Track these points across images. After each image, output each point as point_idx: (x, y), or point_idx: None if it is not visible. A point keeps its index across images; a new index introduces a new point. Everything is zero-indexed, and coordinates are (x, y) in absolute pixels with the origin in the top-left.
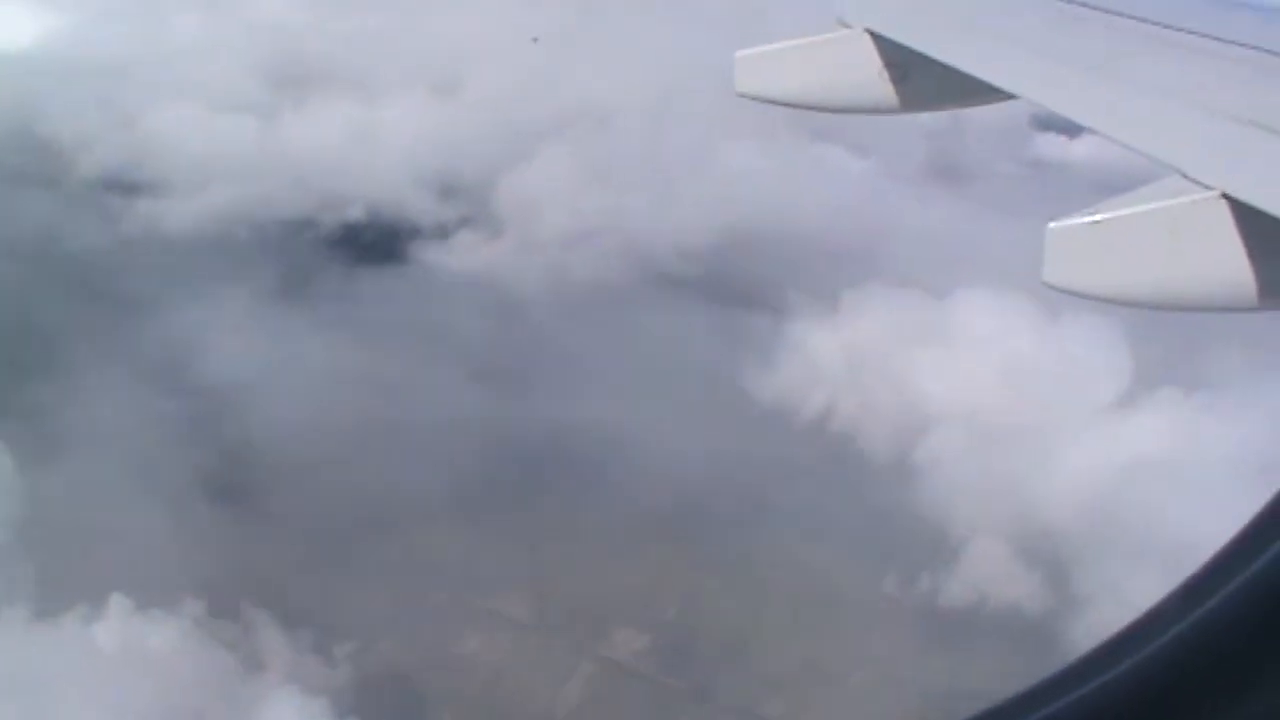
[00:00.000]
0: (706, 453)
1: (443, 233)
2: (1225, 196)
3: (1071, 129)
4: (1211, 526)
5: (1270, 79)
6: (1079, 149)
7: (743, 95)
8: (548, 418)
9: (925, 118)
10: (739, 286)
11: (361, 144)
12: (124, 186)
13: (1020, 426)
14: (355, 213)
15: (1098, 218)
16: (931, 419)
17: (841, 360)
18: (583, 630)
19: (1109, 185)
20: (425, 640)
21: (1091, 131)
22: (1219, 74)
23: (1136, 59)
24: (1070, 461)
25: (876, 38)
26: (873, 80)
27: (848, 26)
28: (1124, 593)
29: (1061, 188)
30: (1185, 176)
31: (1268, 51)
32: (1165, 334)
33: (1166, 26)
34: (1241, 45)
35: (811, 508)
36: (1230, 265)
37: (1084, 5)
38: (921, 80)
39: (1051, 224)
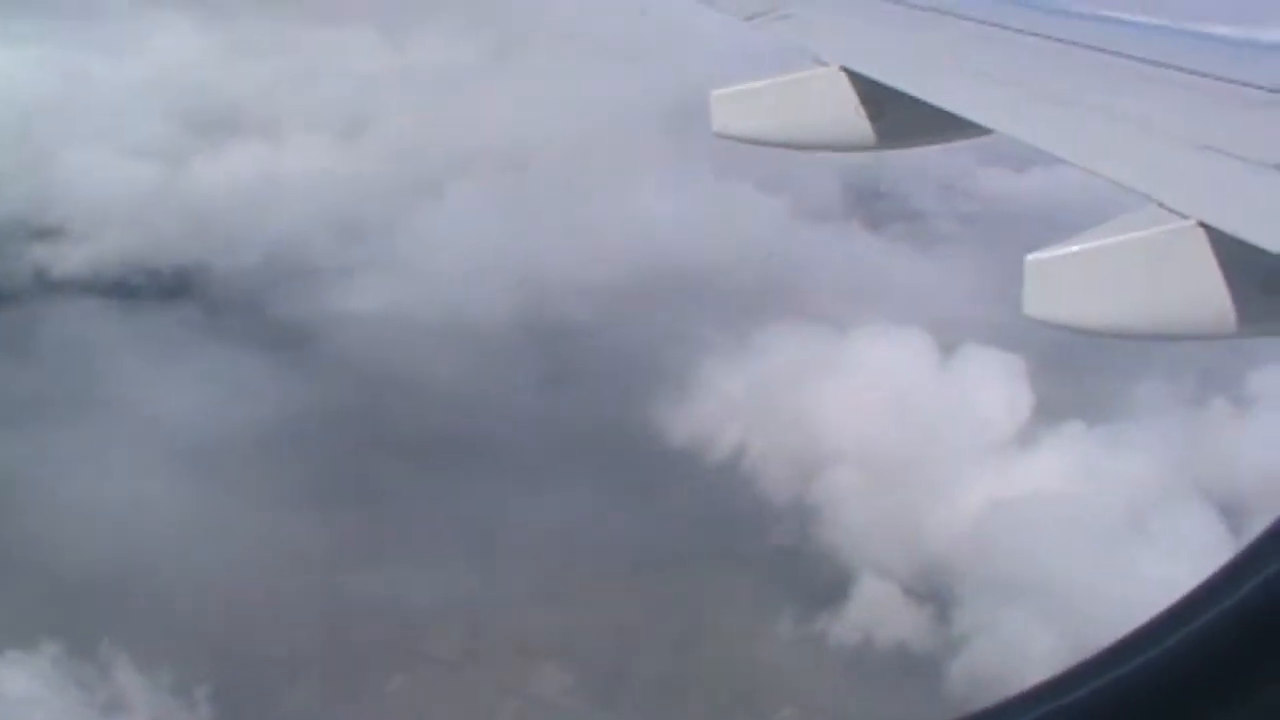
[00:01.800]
0: (611, 494)
1: (343, 274)
2: (1202, 225)
3: (1019, 164)
4: (1101, 562)
5: (1243, 109)
6: (1023, 184)
7: (720, 135)
8: (451, 461)
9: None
10: (644, 326)
11: (266, 187)
12: (26, 231)
13: (920, 463)
14: (255, 256)
15: (1076, 249)
16: (832, 457)
17: (745, 399)
18: (505, 668)
19: (1049, 221)
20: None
21: (1067, 164)
22: (1192, 105)
23: (1111, 91)
24: (968, 498)
25: (852, 75)
26: (849, 117)
27: (823, 64)
28: (1007, 631)
29: (989, 225)
30: (1162, 206)
31: (1239, 83)
32: (1075, 367)
33: (1140, 60)
34: (1214, 77)
35: (713, 547)
36: (1210, 293)
37: (1059, 40)
38: (898, 116)
39: (1029, 256)
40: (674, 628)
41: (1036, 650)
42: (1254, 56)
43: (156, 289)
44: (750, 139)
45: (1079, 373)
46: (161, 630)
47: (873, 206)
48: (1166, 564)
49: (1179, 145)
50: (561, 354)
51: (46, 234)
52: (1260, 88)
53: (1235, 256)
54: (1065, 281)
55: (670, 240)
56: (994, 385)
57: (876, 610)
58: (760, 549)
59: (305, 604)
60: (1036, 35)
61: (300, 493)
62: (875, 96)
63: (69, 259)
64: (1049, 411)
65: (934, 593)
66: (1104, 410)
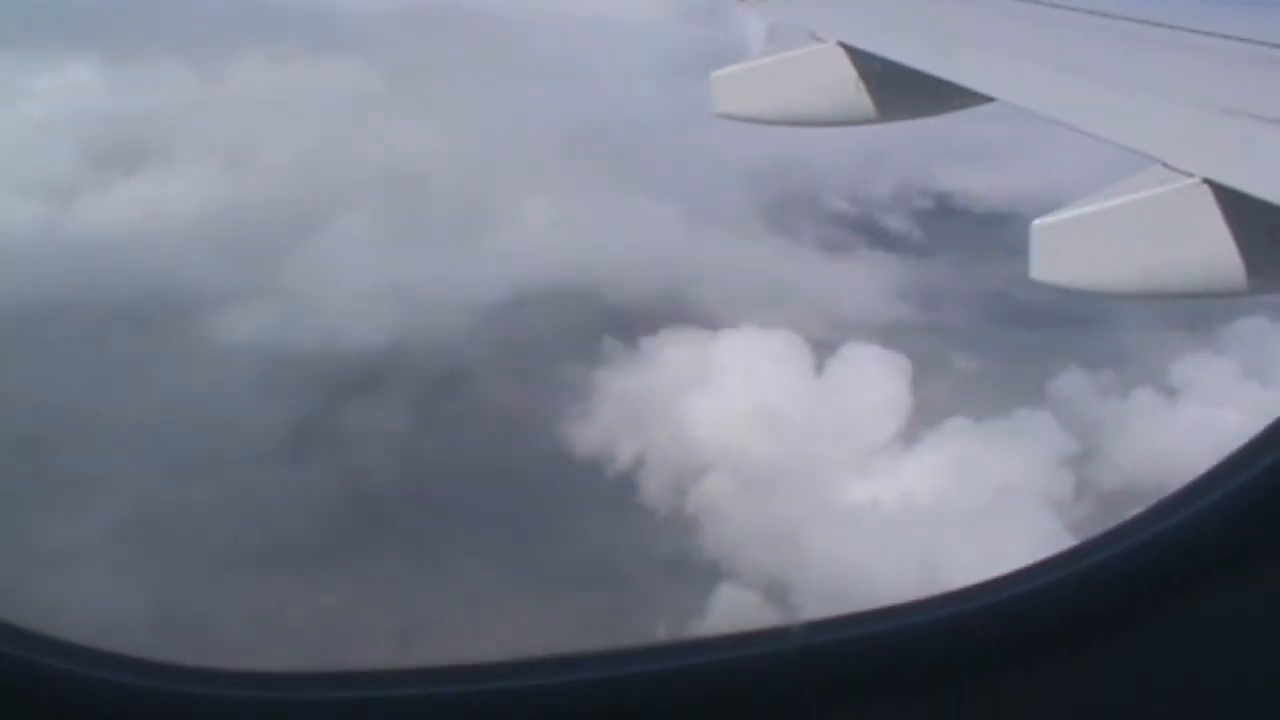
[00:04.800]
0: (494, 510)
1: (231, 302)
2: (1207, 182)
3: (981, 159)
4: (981, 558)
5: (1241, 66)
6: (968, 181)
7: (722, 115)
8: (345, 485)
9: (751, 158)
10: (533, 341)
11: (155, 218)
12: None
13: (804, 468)
14: (140, 288)
15: (1082, 211)
16: (715, 465)
17: (633, 410)
18: None
19: (980, 219)
20: None
21: (1072, 129)
22: (1192, 64)
23: (1109, 55)
24: (847, 501)
25: (850, 50)
26: (849, 92)
27: (821, 41)
28: None
29: (908, 226)
30: (1166, 166)
31: (1238, 39)
32: (970, 360)
33: (1137, 21)
34: (1211, 34)
35: (593, 557)
36: (1217, 250)
37: (1053, 5)
38: (898, 89)
39: (1036, 221)
40: (548, 646)
41: None
42: (1250, 13)
43: (42, 324)
44: (750, 118)
45: (977, 365)
46: None
47: (787, 212)
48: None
49: (1180, 105)
50: (447, 374)
51: None
52: (1259, 43)
53: (1243, 212)
54: (1072, 245)
55: (562, 254)
56: (881, 386)
57: (739, 619)
58: (641, 561)
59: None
60: (1032, 1)
61: (175, 524)
62: (874, 71)
63: None
64: (939, 411)
65: (796, 599)
66: (993, 405)
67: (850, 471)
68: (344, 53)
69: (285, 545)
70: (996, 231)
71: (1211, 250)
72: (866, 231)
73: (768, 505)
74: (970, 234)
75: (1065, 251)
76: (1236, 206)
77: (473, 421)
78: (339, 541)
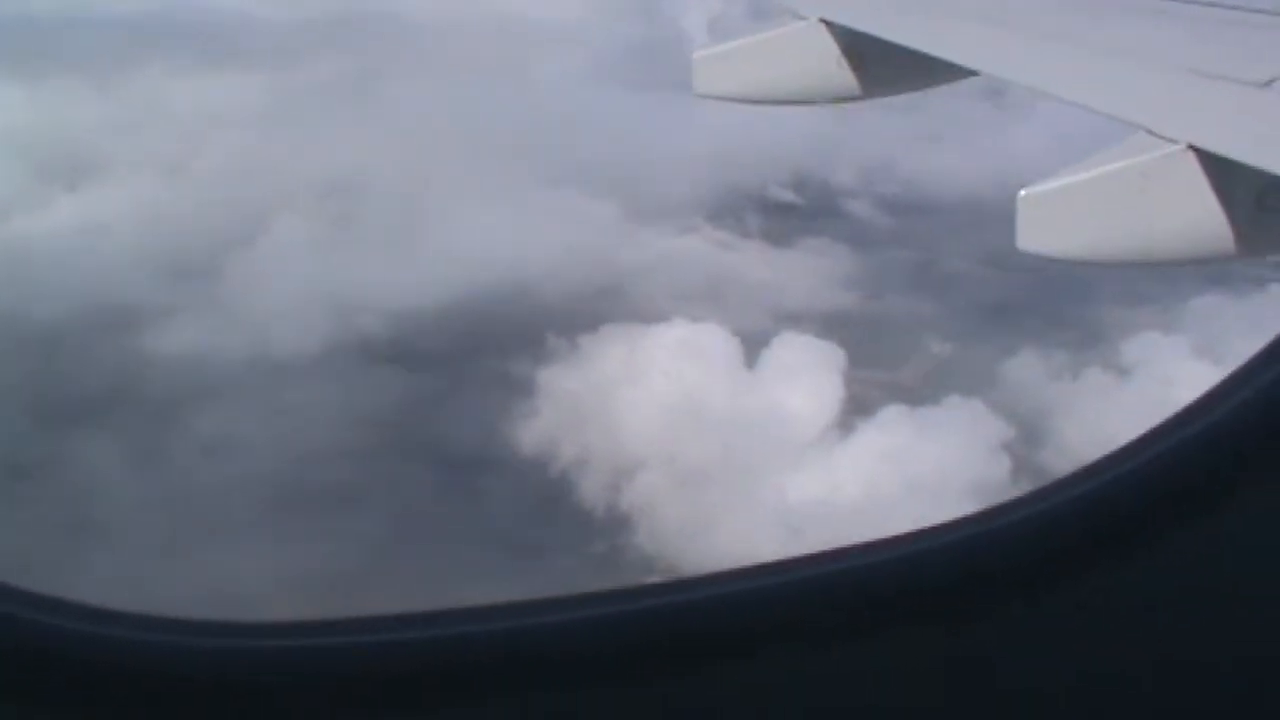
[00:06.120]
0: (434, 512)
1: (165, 314)
2: (1192, 148)
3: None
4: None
5: (1219, 31)
6: (940, 162)
7: (703, 95)
8: (283, 486)
9: (702, 148)
10: (470, 342)
11: (89, 233)
12: None
13: (739, 461)
14: (76, 303)
15: (1067, 180)
16: (649, 461)
17: (571, 407)
18: None
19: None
20: None
21: (1056, 99)
22: (1171, 31)
23: (1089, 24)
24: (783, 494)
25: (831, 26)
26: (832, 69)
27: (802, 18)
28: None
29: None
30: (1150, 133)
31: (1216, 5)
32: (916, 345)
33: None
34: (1192, 2)
35: (525, 554)
36: (1203, 215)
37: None
38: (880, 65)
39: (1023, 191)
40: None
41: None
42: None
43: None
44: (733, 98)
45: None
46: None
47: (735, 203)
48: None
49: (1161, 71)
50: (387, 379)
51: None
52: (1234, 7)
53: (1227, 177)
54: (1058, 214)
55: (497, 254)
56: (815, 377)
57: None
58: (574, 559)
59: None
60: None
61: (108, 540)
62: (856, 46)
63: None
64: (878, 399)
65: None
66: (927, 392)
67: (783, 464)
68: (259, 64)
69: (225, 541)
70: (965, 213)
71: (1197, 216)
72: (820, 219)
73: (701, 500)
74: (937, 217)
75: (1051, 221)
76: (1221, 172)
77: (416, 424)
78: (274, 537)
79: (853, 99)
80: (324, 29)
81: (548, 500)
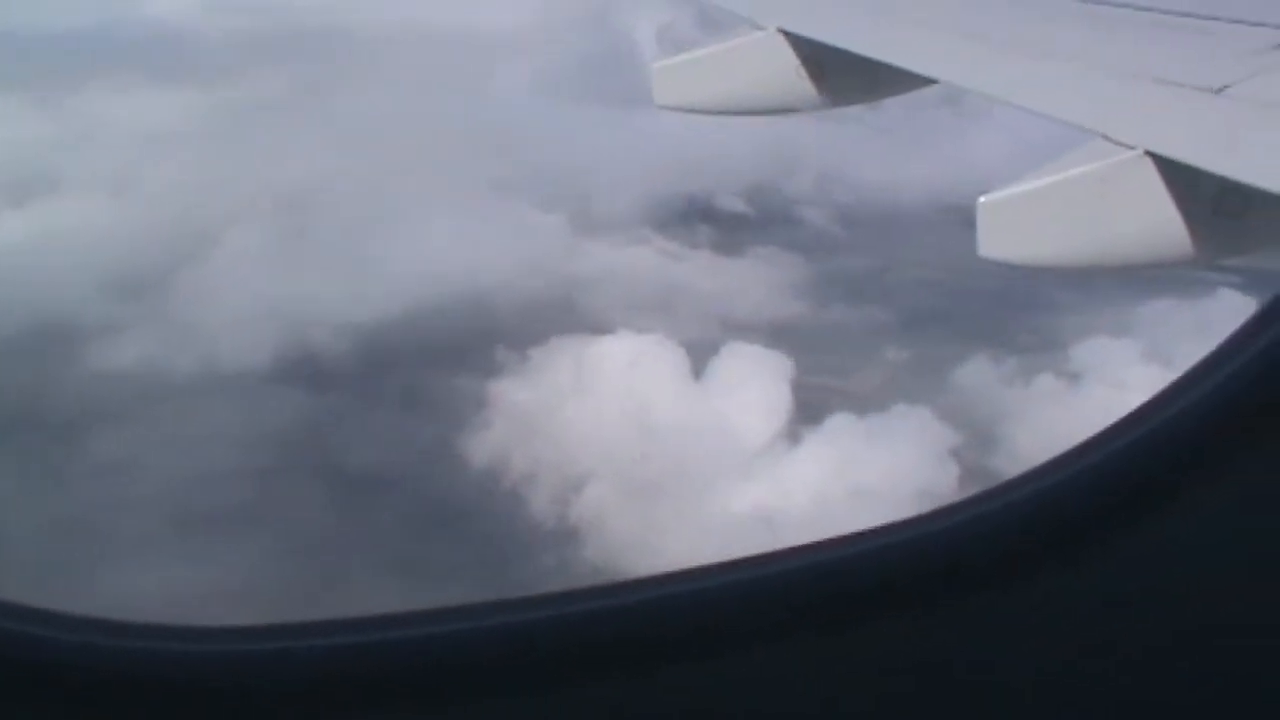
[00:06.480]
0: (386, 529)
1: (111, 331)
2: (1149, 154)
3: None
4: None
5: (1172, 37)
6: (894, 171)
7: (663, 107)
8: (230, 502)
9: (641, 161)
10: (428, 355)
11: (34, 251)
12: None
13: (686, 472)
14: (20, 320)
15: (1026, 187)
16: (597, 472)
17: (520, 419)
18: None
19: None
20: None
21: (1015, 107)
22: (1126, 38)
23: (1045, 31)
24: (728, 504)
25: (790, 36)
26: (791, 80)
27: (760, 29)
28: None
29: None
30: (1107, 139)
31: (1172, 12)
32: (867, 353)
33: None
34: (1145, 9)
35: (476, 568)
36: (1162, 220)
37: None
38: (839, 74)
39: (981, 198)
40: None
41: None
42: None
43: None
44: (693, 109)
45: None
46: None
47: (681, 215)
48: None
49: (1118, 78)
50: (337, 393)
51: None
52: (1192, 15)
53: (1185, 182)
54: (1019, 221)
55: (447, 267)
56: (763, 387)
57: None
58: (525, 573)
59: None
60: None
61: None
62: (815, 56)
63: None
64: (826, 408)
65: None
66: (874, 399)
67: (731, 474)
68: (203, 79)
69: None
70: (920, 221)
71: (1156, 221)
72: (772, 228)
73: (648, 511)
74: (892, 225)
75: (1012, 227)
76: (1178, 177)
77: (365, 439)
78: (222, 550)
79: (813, 109)
80: (269, 43)
81: (495, 513)
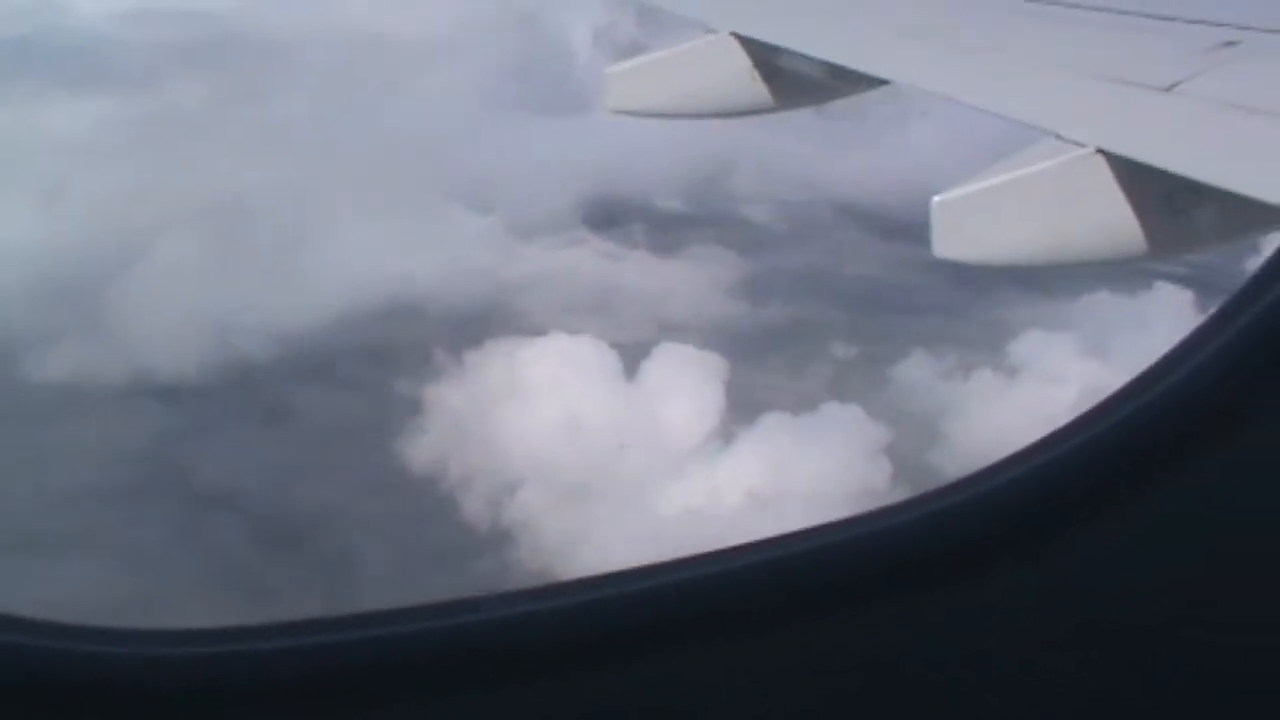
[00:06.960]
0: (322, 536)
1: (46, 343)
2: (1101, 152)
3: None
4: None
5: (1123, 36)
6: (844, 170)
7: (617, 112)
8: (166, 511)
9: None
10: (364, 359)
11: None
12: None
13: (618, 474)
14: None
15: (979, 186)
16: (529, 476)
17: (452, 423)
18: None
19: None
20: None
21: (966, 106)
22: (1076, 37)
23: (996, 31)
24: (661, 506)
25: (742, 39)
26: (744, 82)
27: (713, 31)
28: None
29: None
30: (1059, 137)
31: (1124, 11)
32: (803, 352)
33: None
34: (1098, 9)
35: (409, 574)
36: (1114, 217)
37: None
38: (792, 76)
39: (936, 198)
40: None
41: None
42: None
43: None
44: (648, 113)
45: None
46: None
47: (619, 216)
48: None
49: (1070, 77)
50: (273, 400)
51: None
52: (1139, 14)
53: (1136, 180)
54: (972, 219)
55: (381, 272)
56: (696, 387)
57: None
58: (458, 577)
59: None
60: None
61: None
62: (767, 58)
63: None
64: (759, 407)
65: None
66: (808, 398)
67: (663, 474)
68: (127, 87)
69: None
70: (864, 219)
71: (1109, 218)
72: (712, 228)
73: (581, 513)
74: (835, 224)
75: (965, 227)
76: (1130, 175)
77: (302, 445)
78: (160, 561)
79: (767, 110)
80: (192, 50)
81: (431, 518)
